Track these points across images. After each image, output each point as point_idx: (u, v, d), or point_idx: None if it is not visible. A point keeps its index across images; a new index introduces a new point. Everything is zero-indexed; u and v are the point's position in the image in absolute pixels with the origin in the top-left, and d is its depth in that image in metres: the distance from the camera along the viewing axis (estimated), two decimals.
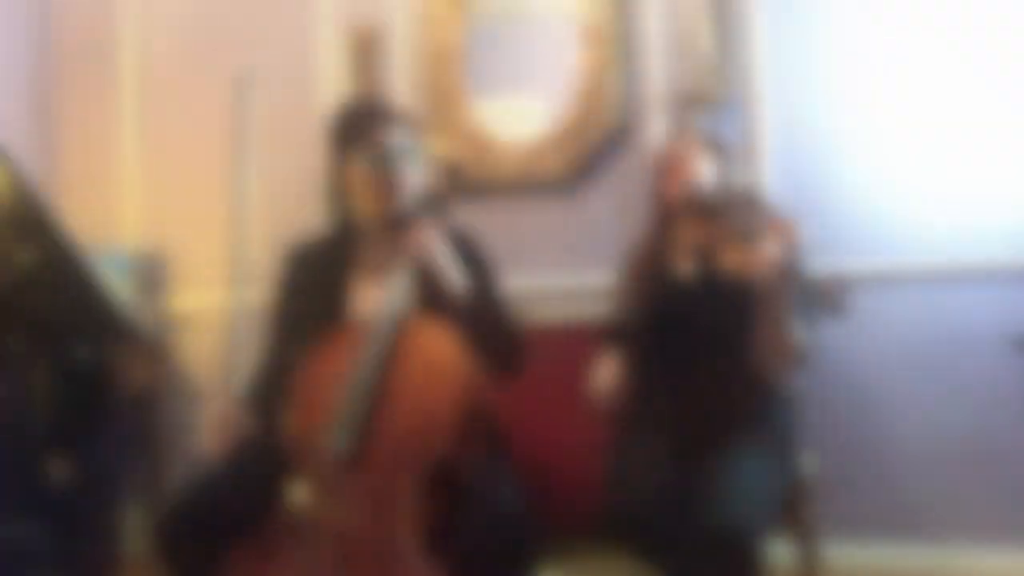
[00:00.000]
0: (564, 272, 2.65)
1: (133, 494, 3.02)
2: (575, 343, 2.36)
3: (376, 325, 1.56)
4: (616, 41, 2.58)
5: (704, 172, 1.88)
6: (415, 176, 1.72)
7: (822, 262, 2.33)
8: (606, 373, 1.89)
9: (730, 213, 1.70)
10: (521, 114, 2.75)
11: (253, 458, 1.55)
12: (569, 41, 2.65)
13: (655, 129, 2.57)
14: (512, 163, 2.68)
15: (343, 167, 1.72)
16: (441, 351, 1.53)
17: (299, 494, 1.43)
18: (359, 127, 1.69)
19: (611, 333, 2.01)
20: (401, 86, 2.84)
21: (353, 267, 1.75)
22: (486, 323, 1.61)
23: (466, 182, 2.69)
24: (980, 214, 2.32)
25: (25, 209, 1.13)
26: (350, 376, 1.49)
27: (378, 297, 1.62)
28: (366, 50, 2.86)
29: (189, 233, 3.07)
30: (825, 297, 1.61)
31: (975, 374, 2.30)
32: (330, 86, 2.91)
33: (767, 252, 1.53)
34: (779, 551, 1.87)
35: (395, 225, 1.73)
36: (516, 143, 2.70)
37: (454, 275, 1.61)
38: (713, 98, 2.48)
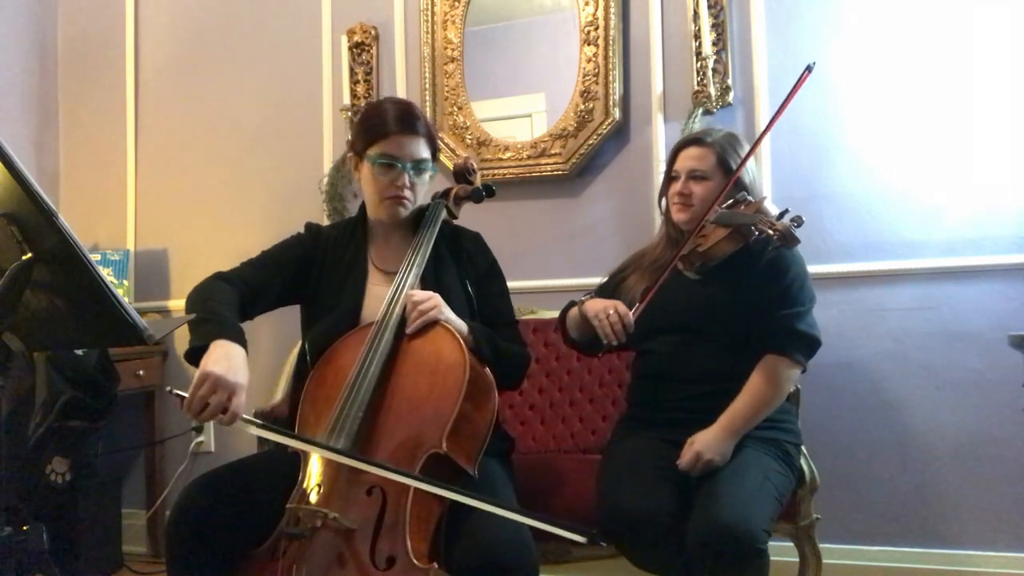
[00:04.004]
0: (564, 271, 2.65)
1: (133, 494, 3.02)
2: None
3: (379, 325, 1.56)
4: (616, 41, 2.58)
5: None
6: (425, 184, 1.73)
7: (821, 262, 2.36)
8: (604, 304, 1.72)
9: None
10: (521, 114, 2.76)
11: (257, 457, 1.55)
12: (569, 41, 2.65)
13: (655, 129, 2.58)
14: (512, 163, 2.68)
15: (359, 165, 1.73)
16: (442, 351, 1.53)
17: (302, 493, 1.42)
18: (380, 131, 1.67)
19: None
20: (401, 86, 2.84)
21: (368, 265, 1.75)
22: (487, 356, 1.61)
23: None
24: (980, 213, 2.32)
25: (25, 207, 1.13)
26: (352, 375, 1.49)
27: (383, 296, 1.62)
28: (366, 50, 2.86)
29: (190, 233, 3.07)
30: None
31: (974, 373, 2.30)
32: (331, 86, 2.91)
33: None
34: (779, 551, 1.87)
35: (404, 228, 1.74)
36: (516, 143, 2.70)
37: (455, 323, 1.60)
38: (713, 98, 2.48)
